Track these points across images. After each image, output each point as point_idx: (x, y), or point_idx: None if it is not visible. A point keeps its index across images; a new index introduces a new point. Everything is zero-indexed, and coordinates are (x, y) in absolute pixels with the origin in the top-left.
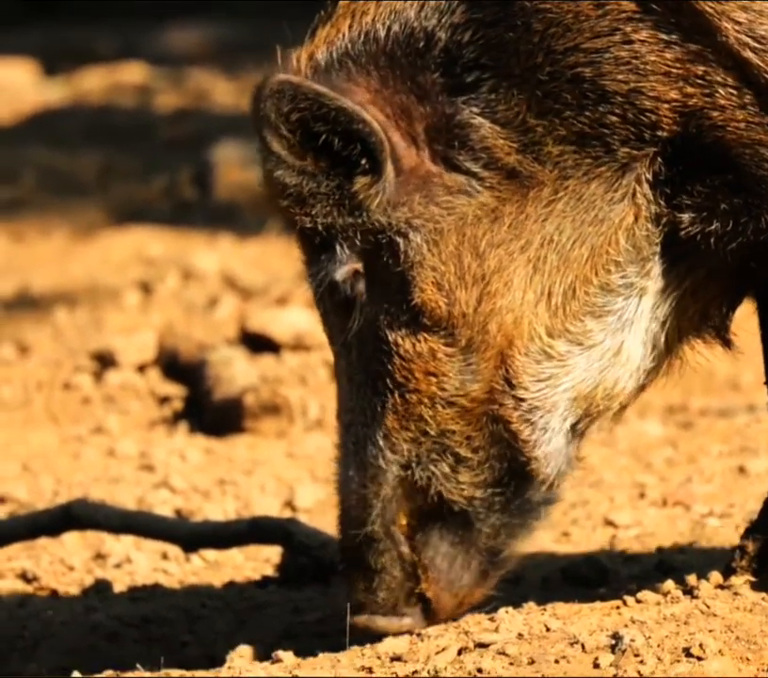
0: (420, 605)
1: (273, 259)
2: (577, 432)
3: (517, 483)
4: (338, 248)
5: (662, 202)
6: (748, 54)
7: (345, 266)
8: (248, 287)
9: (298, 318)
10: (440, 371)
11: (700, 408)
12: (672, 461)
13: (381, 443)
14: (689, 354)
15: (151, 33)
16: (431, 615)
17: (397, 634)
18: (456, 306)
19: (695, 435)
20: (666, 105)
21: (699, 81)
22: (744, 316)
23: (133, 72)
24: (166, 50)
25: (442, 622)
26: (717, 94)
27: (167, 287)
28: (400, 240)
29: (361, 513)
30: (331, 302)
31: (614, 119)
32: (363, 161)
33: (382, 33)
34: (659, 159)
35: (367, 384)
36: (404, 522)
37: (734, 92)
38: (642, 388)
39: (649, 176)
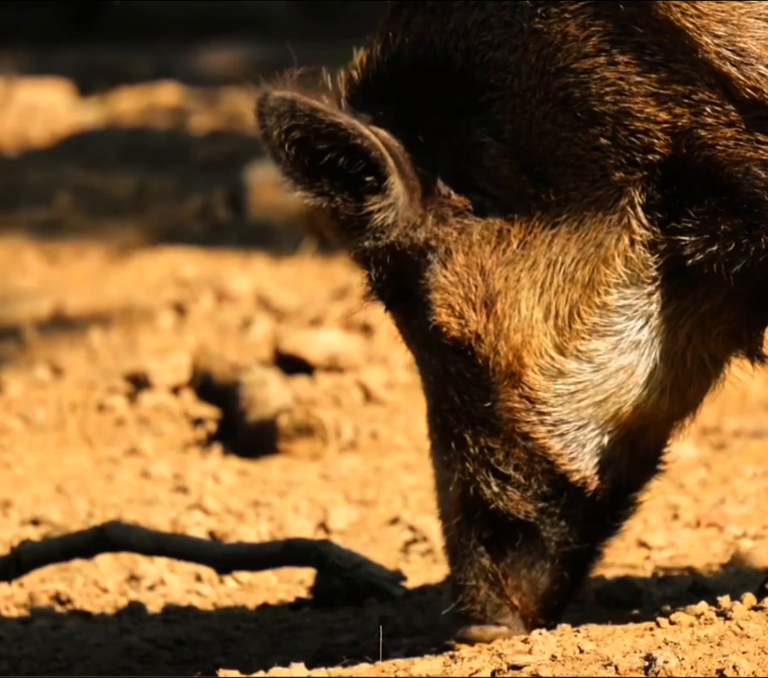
0: (516, 612)
1: (307, 280)
2: (634, 444)
3: (568, 494)
4: (373, 270)
5: (656, 228)
6: (729, 68)
7: (383, 288)
8: (281, 308)
9: (332, 340)
10: (469, 390)
11: (734, 429)
12: (706, 483)
13: (440, 461)
14: (734, 372)
15: (185, 54)
16: (526, 621)
17: (492, 641)
18: (469, 327)
19: (728, 456)
20: (657, 127)
21: (686, 100)
22: None
23: (167, 93)
24: (200, 71)
25: (541, 626)
26: (704, 112)
27: (201, 308)
28: (421, 261)
29: (443, 528)
30: (393, 321)
31: (605, 141)
32: (370, 178)
33: (409, 57)
34: (650, 183)
35: (427, 402)
36: (481, 534)
37: (720, 109)
38: (684, 406)
39: (642, 200)
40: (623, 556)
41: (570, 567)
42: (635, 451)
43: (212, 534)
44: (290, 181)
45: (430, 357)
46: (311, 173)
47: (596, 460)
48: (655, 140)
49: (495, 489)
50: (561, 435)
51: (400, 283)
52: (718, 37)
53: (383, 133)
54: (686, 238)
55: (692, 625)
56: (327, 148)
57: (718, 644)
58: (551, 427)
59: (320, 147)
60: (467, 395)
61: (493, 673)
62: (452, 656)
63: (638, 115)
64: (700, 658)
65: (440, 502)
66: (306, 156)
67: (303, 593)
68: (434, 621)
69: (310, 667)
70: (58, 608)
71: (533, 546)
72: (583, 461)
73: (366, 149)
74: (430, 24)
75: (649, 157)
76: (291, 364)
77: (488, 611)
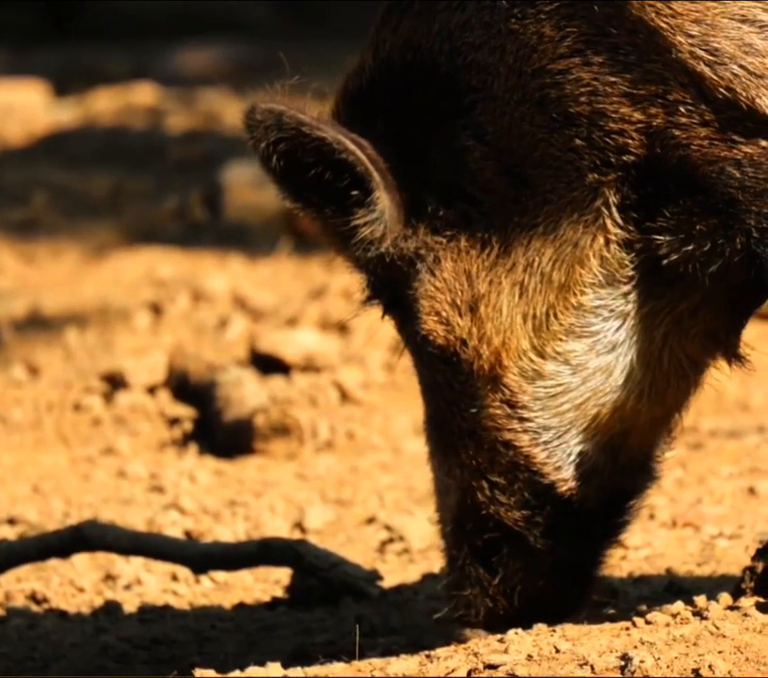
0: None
1: (283, 280)
2: (616, 449)
3: (552, 504)
4: (365, 279)
5: (631, 228)
6: (702, 68)
7: (377, 297)
8: (258, 308)
9: (309, 339)
10: (457, 401)
11: (710, 429)
12: (682, 482)
13: (438, 468)
14: (714, 373)
15: (162, 54)
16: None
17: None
18: (454, 333)
19: (704, 456)
20: (632, 127)
21: (660, 100)
22: (755, 337)
23: (144, 94)
24: (177, 71)
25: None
26: (678, 112)
27: (177, 308)
28: (410, 271)
29: (441, 533)
30: (393, 326)
31: (580, 142)
32: (356, 192)
33: (398, 62)
34: (625, 184)
35: (424, 410)
36: (476, 541)
37: (693, 109)
38: (665, 410)
39: (616, 200)
40: None
41: (569, 577)
42: (619, 458)
43: (188, 533)
44: (280, 191)
45: (422, 367)
46: (299, 185)
47: (581, 468)
48: (630, 141)
49: (488, 495)
50: (545, 443)
51: (393, 291)
52: (692, 37)
53: (370, 146)
54: (662, 238)
55: (668, 625)
56: (313, 162)
57: (694, 644)
58: (533, 435)
59: (307, 160)
60: (455, 406)
61: (469, 673)
62: (427, 656)
63: (613, 115)
64: (676, 658)
65: (438, 507)
66: (294, 168)
67: (279, 593)
68: (410, 620)
69: (286, 666)
70: (34, 608)
71: (526, 554)
72: (568, 471)
73: (351, 164)
74: (417, 27)
75: (624, 158)
76: (267, 364)
77: (482, 617)
